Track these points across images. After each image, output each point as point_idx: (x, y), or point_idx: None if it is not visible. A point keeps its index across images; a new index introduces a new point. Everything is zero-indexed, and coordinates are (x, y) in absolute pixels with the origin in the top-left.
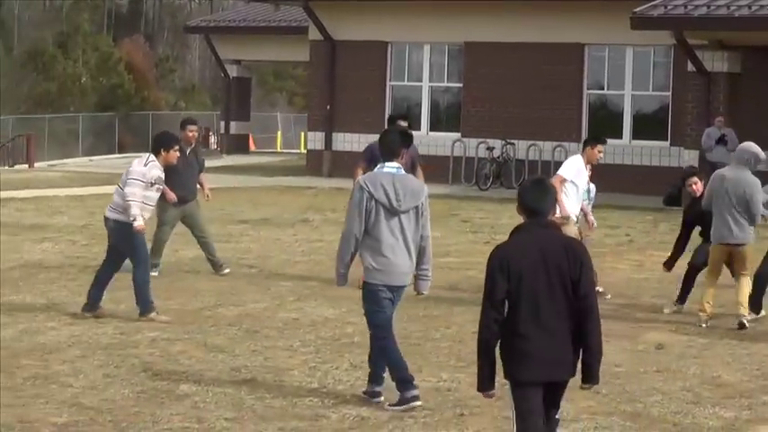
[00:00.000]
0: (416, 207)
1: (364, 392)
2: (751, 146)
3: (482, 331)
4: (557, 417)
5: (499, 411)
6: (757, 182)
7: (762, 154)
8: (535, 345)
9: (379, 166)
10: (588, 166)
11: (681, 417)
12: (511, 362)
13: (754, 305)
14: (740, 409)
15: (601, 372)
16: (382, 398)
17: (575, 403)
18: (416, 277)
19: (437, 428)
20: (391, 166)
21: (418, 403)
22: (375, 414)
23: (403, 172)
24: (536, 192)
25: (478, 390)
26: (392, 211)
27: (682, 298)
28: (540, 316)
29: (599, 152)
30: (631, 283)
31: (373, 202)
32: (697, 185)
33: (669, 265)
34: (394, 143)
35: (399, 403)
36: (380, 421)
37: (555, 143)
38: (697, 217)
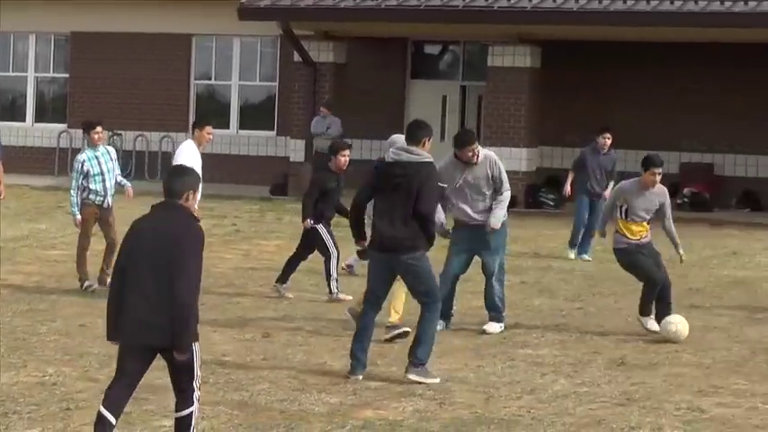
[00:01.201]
0: None
1: None
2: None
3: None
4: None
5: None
6: None
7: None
8: (132, 310)
9: None
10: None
11: (287, 404)
12: (116, 325)
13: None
14: (345, 394)
15: (208, 361)
16: None
17: None
18: None
19: (43, 423)
20: None
21: None
22: None
23: None
24: (171, 175)
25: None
26: None
27: (283, 278)
28: (139, 285)
29: (208, 134)
30: (239, 272)
31: None
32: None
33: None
34: None
35: None
36: None
37: (162, 133)
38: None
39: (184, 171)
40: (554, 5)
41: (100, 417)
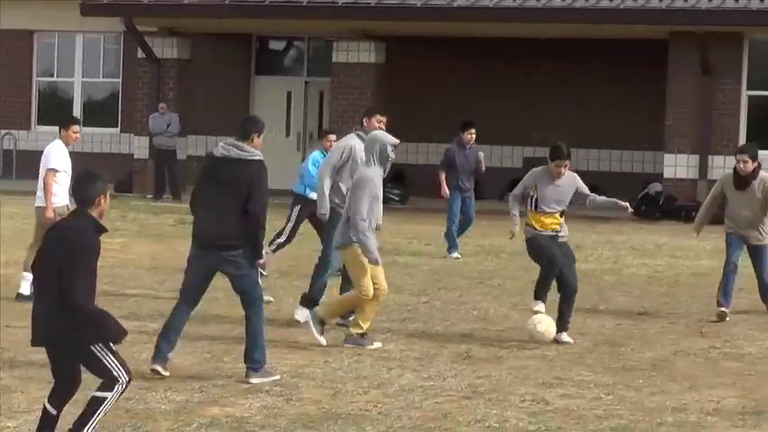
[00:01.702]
0: None
1: None
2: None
3: None
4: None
5: None
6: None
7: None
8: (35, 315)
9: None
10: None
11: (134, 403)
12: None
13: None
14: (191, 392)
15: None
16: None
17: (27, 394)
18: None
19: None
20: None
21: None
22: None
23: None
24: (80, 182)
25: None
26: None
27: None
28: (41, 291)
29: (74, 132)
30: None
31: None
32: None
33: None
34: None
35: None
36: None
37: (4, 131)
38: None
39: (94, 177)
40: (398, 2)
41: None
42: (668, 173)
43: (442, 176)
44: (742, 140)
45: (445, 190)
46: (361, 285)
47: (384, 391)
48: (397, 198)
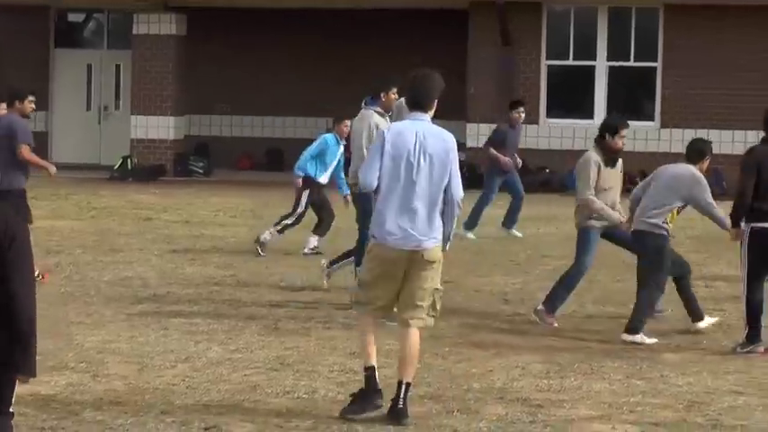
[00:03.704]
0: None
1: None
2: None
3: None
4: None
5: None
6: None
7: None
8: None
9: None
10: None
11: None
12: None
13: None
14: None
15: None
16: None
17: None
18: None
19: None
20: None
21: None
22: None
23: None
24: None
25: None
26: None
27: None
28: None
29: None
30: None
31: None
32: None
33: None
34: None
35: None
36: None
37: None
38: None
39: None
40: None
41: None
42: (471, 142)
43: (493, 151)
44: (542, 110)
45: (505, 160)
46: None
47: (192, 365)
48: (200, 171)
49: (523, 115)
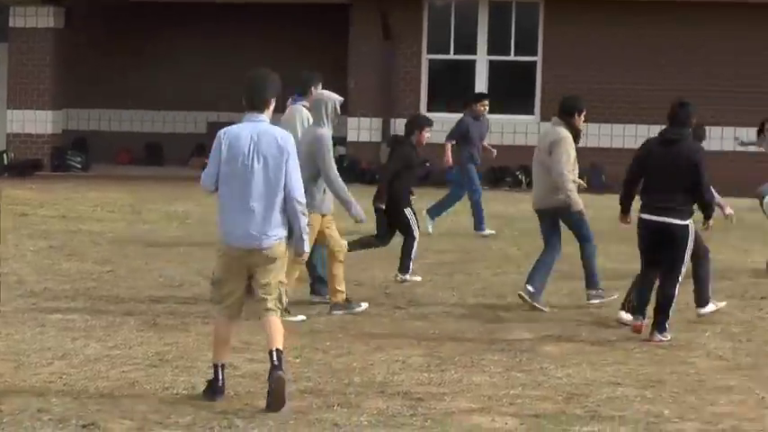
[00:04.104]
0: None
1: None
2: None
3: None
4: None
5: None
6: None
7: None
8: None
9: None
10: None
11: None
12: None
13: None
14: None
15: None
16: None
17: None
18: None
19: None
20: None
21: None
22: None
23: None
24: None
25: None
26: None
27: None
28: None
29: None
30: None
31: None
32: None
33: None
34: None
35: None
36: None
37: None
38: None
39: None
40: None
41: None
42: (352, 136)
43: (448, 146)
44: (423, 104)
45: (449, 159)
46: (339, 242)
47: (69, 362)
48: (78, 165)
49: (487, 107)
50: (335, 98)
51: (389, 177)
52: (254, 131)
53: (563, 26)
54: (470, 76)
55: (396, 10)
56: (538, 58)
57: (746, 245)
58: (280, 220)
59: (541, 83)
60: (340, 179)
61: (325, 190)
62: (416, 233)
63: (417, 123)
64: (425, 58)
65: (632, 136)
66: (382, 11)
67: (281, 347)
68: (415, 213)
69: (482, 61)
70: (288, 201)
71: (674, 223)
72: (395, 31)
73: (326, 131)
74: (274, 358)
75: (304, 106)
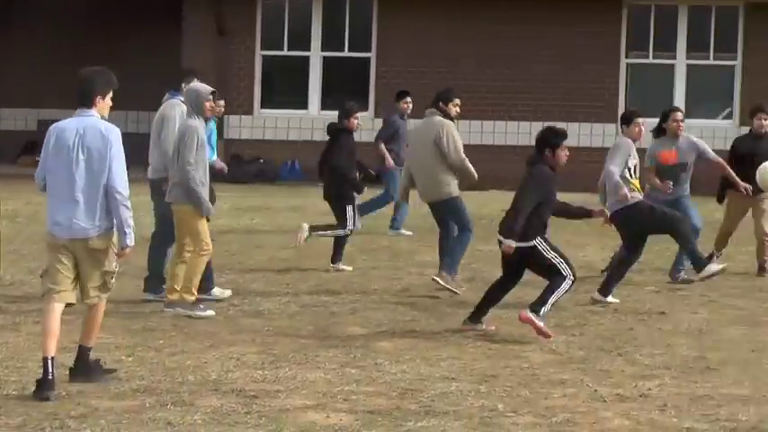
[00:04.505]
0: None
1: None
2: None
3: None
4: None
5: None
6: None
7: None
8: None
9: None
10: None
11: None
12: None
13: None
14: None
15: None
16: None
17: None
18: None
19: None
20: None
21: None
22: None
23: None
24: None
25: None
26: None
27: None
28: None
29: None
30: None
31: None
32: None
33: None
34: None
35: None
36: None
37: None
38: None
39: None
40: None
41: None
42: None
43: (383, 146)
44: (257, 100)
45: (390, 161)
46: (203, 241)
47: None
48: None
49: (410, 105)
50: (204, 90)
51: (346, 167)
52: (80, 125)
53: (397, 22)
54: (304, 73)
55: (230, 5)
56: (372, 54)
57: (579, 239)
58: (104, 212)
59: (375, 79)
60: (192, 172)
61: (203, 183)
62: (350, 227)
63: (349, 110)
64: (259, 53)
65: (478, 132)
66: (216, 6)
67: (90, 345)
68: (355, 208)
69: (316, 57)
70: (109, 193)
71: None
72: (229, 26)
73: (196, 122)
74: (81, 354)
75: (182, 101)
